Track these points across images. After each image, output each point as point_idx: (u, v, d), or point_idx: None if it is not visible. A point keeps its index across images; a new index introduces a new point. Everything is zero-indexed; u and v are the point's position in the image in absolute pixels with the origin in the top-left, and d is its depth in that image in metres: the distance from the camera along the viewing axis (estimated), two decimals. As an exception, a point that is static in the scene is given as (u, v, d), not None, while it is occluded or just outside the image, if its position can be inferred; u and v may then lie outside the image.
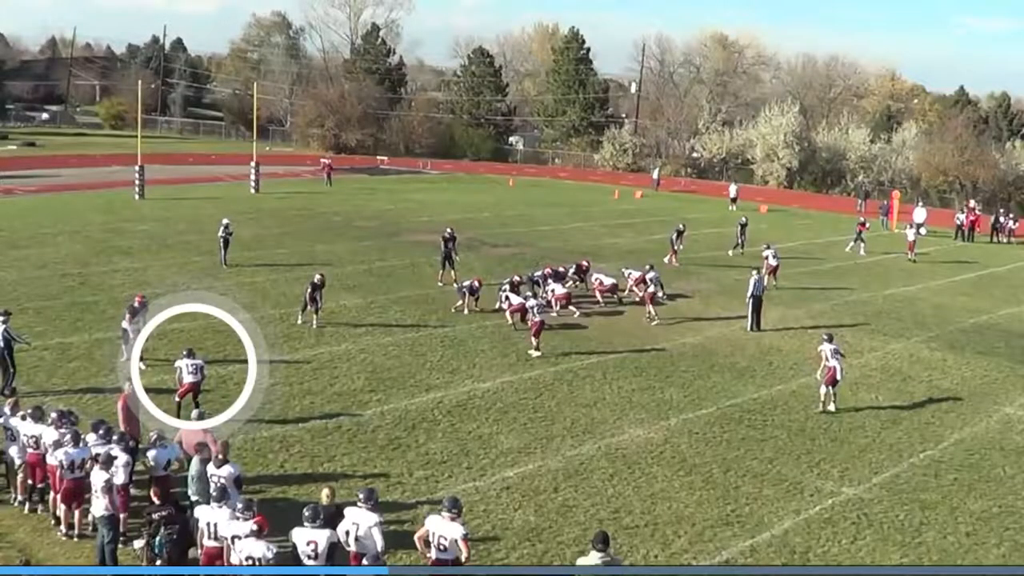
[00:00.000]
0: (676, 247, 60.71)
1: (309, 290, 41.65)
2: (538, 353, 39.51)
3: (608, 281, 49.90)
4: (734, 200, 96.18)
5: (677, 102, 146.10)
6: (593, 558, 18.52)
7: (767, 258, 55.03)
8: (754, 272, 47.46)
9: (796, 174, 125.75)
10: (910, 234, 70.33)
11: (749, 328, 46.12)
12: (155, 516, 20.92)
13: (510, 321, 43.85)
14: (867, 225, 72.94)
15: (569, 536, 24.31)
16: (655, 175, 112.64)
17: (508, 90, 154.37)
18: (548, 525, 25.25)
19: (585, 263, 53.14)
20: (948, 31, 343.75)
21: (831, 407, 35.33)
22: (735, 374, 39.41)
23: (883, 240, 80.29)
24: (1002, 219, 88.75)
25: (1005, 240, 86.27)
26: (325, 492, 21.26)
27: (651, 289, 47.01)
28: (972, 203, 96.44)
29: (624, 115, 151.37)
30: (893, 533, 26.33)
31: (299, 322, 41.83)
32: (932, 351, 44.99)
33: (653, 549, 24.30)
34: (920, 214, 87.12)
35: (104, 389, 32.38)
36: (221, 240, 52.32)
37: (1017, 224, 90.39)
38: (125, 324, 35.63)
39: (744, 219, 67.90)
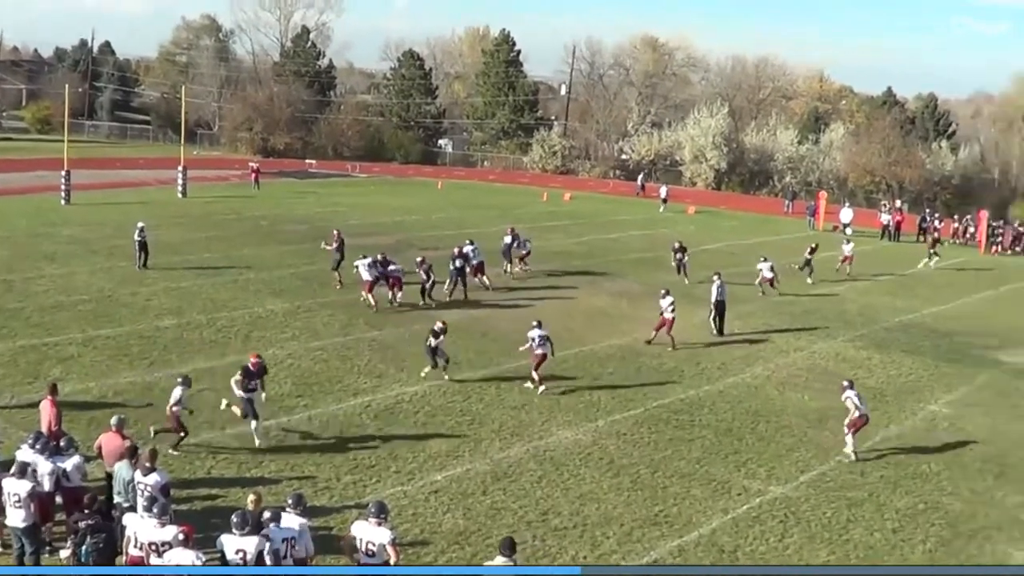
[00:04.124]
0: (683, 263, 58.14)
1: (431, 340, 37.28)
2: (542, 388, 36.50)
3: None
4: (664, 201, 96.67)
5: (606, 104, 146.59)
6: (498, 562, 18.57)
7: (761, 271, 54.97)
8: (716, 277, 47.15)
9: (724, 175, 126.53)
10: (847, 249, 65.71)
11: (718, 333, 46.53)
12: (81, 524, 20.75)
13: (368, 300, 46.54)
14: (816, 248, 68.62)
15: (498, 538, 24.16)
16: (663, 192, 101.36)
17: (438, 93, 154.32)
18: (477, 528, 25.29)
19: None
20: (877, 32, 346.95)
21: (851, 453, 32.26)
22: (662, 375, 39.59)
23: (809, 240, 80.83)
24: (928, 219, 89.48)
25: (932, 239, 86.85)
26: (251, 498, 21.14)
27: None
28: (899, 203, 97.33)
29: (553, 117, 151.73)
30: (820, 531, 26.58)
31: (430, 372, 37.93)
32: (858, 350, 45.42)
33: (582, 550, 24.37)
34: (846, 214, 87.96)
35: (29, 397, 31.93)
36: (136, 244, 52.01)
37: (943, 224, 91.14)
38: (239, 391, 30.74)
39: (815, 244, 64.09)
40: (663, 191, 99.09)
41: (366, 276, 46.82)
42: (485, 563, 19.37)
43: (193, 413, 29.94)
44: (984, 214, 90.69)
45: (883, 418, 35.96)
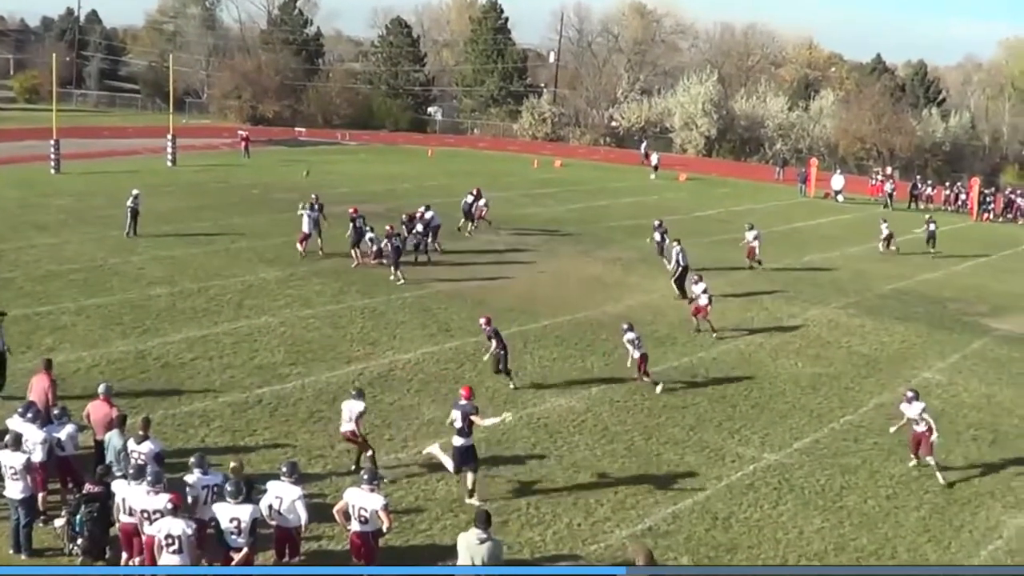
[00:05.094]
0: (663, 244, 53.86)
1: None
2: (659, 387, 34.35)
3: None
4: (656, 168, 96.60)
5: (595, 71, 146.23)
6: (472, 535, 18.54)
7: (748, 239, 54.42)
8: (676, 243, 47.45)
9: (715, 142, 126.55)
10: (885, 229, 63.73)
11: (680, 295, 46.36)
12: (77, 494, 20.72)
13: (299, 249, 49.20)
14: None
15: (492, 506, 24.14)
16: (654, 159, 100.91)
17: (426, 60, 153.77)
18: (471, 496, 25.23)
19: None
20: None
21: (939, 478, 28.60)
22: (656, 342, 39.45)
23: (801, 207, 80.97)
24: (920, 186, 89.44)
25: (923, 206, 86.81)
26: (232, 465, 21.05)
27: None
28: (889, 169, 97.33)
29: (543, 84, 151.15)
30: (814, 498, 26.60)
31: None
32: (851, 317, 45.43)
33: (576, 517, 24.35)
34: (838, 181, 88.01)
35: (22, 367, 31.81)
36: (129, 210, 52.09)
37: (935, 191, 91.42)
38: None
39: (933, 225, 64.63)
40: (654, 158, 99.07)
41: (305, 228, 49.82)
42: (460, 535, 19.24)
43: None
44: (976, 181, 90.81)
45: (876, 385, 36.12)
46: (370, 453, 26.10)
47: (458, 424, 25.08)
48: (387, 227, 48.16)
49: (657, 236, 53.13)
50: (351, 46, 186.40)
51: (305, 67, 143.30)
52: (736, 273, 52.04)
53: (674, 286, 46.54)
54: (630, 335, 34.68)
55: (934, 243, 63.17)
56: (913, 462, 29.29)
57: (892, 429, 30.40)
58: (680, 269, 46.52)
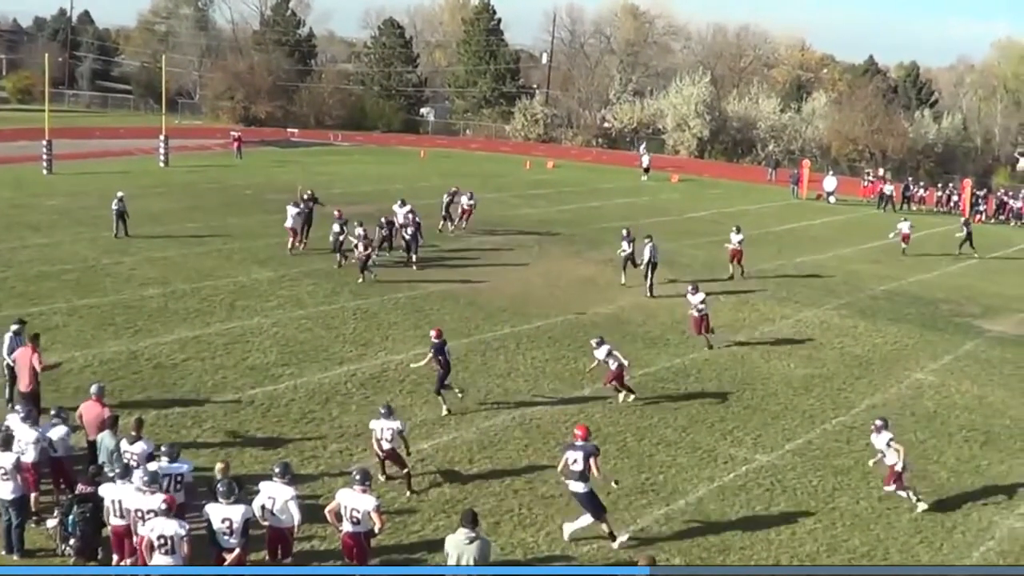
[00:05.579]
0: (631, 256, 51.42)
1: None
2: (628, 397, 33.27)
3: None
4: (647, 170, 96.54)
5: (588, 72, 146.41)
6: (460, 535, 18.54)
7: (734, 242, 52.47)
8: (648, 239, 47.44)
9: (707, 143, 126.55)
10: (904, 226, 64.32)
11: (649, 294, 46.85)
12: (70, 494, 20.69)
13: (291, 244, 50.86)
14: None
15: (485, 507, 24.23)
16: (645, 161, 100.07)
17: (419, 61, 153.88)
18: (464, 496, 25.26)
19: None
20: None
21: (920, 505, 26.61)
22: (648, 343, 39.52)
23: (793, 208, 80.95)
24: (912, 187, 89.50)
25: (915, 208, 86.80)
26: (219, 466, 21.01)
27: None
28: (881, 171, 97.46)
29: (535, 86, 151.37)
30: (806, 499, 26.57)
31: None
32: (843, 318, 45.44)
33: (569, 518, 24.25)
34: (830, 183, 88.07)
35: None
36: (115, 213, 52.17)
37: (927, 192, 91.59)
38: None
39: (967, 228, 66.41)
40: (645, 160, 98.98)
41: (289, 223, 50.75)
42: (448, 536, 19.24)
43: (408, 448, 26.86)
44: (968, 182, 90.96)
45: (869, 387, 36.13)
46: (406, 471, 25.66)
47: (579, 467, 23.03)
48: (362, 229, 47.91)
49: (626, 246, 49.78)
50: (344, 47, 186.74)
51: (298, 68, 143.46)
52: (728, 274, 51.98)
53: (647, 286, 46.74)
54: (604, 349, 32.88)
55: (971, 244, 64.66)
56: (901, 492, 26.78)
57: (871, 462, 27.93)
58: (650, 265, 46.65)
